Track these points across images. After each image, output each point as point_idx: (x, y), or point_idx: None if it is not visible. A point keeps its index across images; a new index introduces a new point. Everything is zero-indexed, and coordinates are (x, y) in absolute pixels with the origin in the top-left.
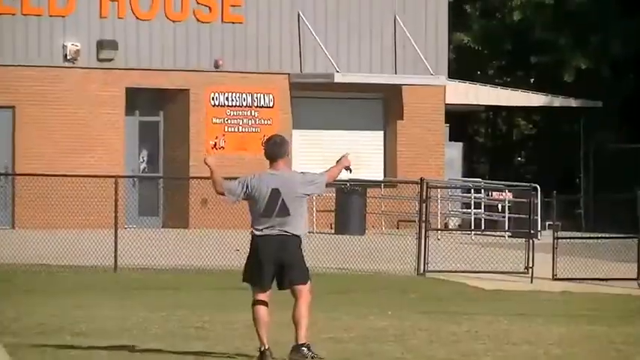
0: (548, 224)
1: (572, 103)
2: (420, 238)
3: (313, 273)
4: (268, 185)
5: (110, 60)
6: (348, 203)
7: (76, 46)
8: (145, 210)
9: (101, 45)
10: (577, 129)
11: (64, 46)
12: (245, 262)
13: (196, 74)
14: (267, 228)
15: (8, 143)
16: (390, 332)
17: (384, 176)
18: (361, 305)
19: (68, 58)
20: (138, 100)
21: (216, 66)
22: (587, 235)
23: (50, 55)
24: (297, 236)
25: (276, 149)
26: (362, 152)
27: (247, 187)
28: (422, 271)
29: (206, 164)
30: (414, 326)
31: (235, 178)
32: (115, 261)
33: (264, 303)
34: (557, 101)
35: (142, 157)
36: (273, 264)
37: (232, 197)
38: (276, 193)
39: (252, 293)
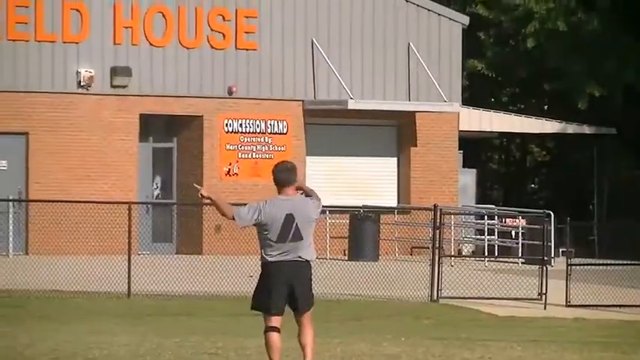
0: (562, 251)
1: (586, 130)
2: (433, 265)
3: (326, 299)
4: (282, 210)
5: (124, 86)
6: (362, 230)
7: (90, 72)
8: (159, 236)
9: (115, 71)
10: (591, 156)
11: (78, 73)
12: (255, 289)
13: (210, 101)
14: (280, 254)
15: (21, 169)
16: (403, 358)
17: (398, 203)
18: (375, 331)
19: (82, 84)
20: (151, 126)
21: (230, 93)
22: (601, 261)
23: (64, 82)
24: (309, 262)
25: (287, 175)
26: (375, 179)
27: (260, 213)
28: (435, 297)
29: (203, 197)
30: (427, 352)
31: (245, 204)
32: (129, 287)
33: (277, 329)
34: (571, 128)
35: (156, 184)
36: (287, 290)
37: (242, 222)
38: (290, 218)
39: (264, 320)
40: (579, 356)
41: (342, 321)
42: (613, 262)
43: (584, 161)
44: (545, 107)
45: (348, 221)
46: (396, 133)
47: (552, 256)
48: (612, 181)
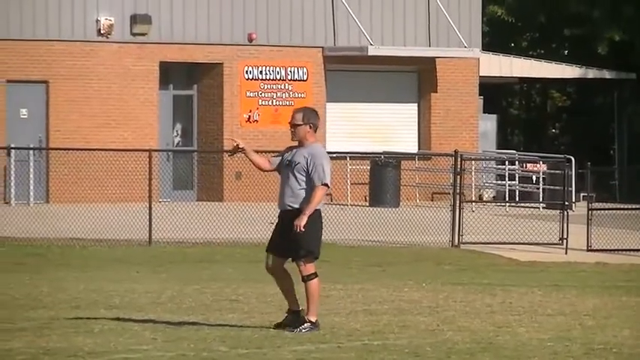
0: (583, 195)
1: (606, 75)
2: (454, 210)
3: (347, 245)
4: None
5: (144, 34)
6: (383, 176)
7: (110, 20)
8: (179, 184)
9: (135, 19)
10: (611, 101)
11: (98, 21)
12: (314, 238)
13: (230, 48)
14: None
15: (42, 118)
16: (424, 304)
17: (418, 149)
18: (396, 277)
19: (102, 32)
20: (172, 74)
21: (250, 40)
22: (622, 206)
23: (84, 30)
24: None
25: None
26: (396, 125)
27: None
28: (456, 242)
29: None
30: (448, 298)
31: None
32: (150, 235)
33: None
34: (591, 73)
35: (176, 131)
36: None
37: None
38: None
39: (312, 266)
40: (600, 300)
41: (363, 267)
42: (634, 206)
43: (605, 106)
44: (566, 52)
45: (368, 167)
46: (416, 79)
47: (573, 200)
48: (633, 126)
